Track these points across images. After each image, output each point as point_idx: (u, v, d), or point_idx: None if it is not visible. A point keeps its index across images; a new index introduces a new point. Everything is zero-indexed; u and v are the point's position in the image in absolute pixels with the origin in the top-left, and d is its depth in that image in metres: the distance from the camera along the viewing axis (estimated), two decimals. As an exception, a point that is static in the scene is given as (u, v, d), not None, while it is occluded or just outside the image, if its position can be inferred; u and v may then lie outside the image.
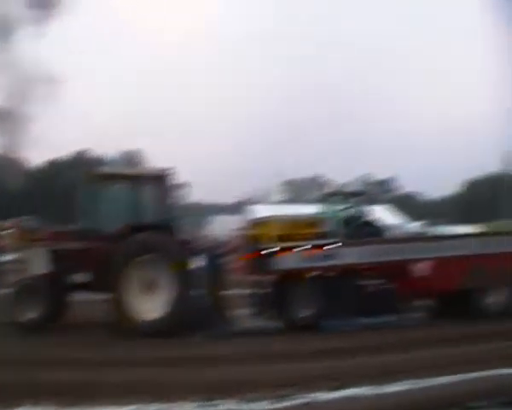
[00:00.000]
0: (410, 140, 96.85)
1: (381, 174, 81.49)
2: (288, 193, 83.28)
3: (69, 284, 11.78)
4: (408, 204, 62.13)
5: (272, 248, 12.11)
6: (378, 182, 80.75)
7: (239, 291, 13.21)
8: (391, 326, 12.24)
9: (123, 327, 10.96)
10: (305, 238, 12.34)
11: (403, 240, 14.44)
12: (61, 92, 56.83)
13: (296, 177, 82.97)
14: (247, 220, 13.16)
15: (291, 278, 12.11)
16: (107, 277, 11.09)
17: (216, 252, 12.93)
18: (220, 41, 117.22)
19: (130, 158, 57.68)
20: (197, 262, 12.17)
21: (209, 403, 6.84)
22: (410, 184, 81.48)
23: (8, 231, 12.12)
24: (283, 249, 12.11)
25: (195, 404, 6.83)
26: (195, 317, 11.69)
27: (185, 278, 11.42)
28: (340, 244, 12.25)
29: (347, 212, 18.13)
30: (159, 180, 12.14)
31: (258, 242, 12.39)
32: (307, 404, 6.84)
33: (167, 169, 12.23)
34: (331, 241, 12.31)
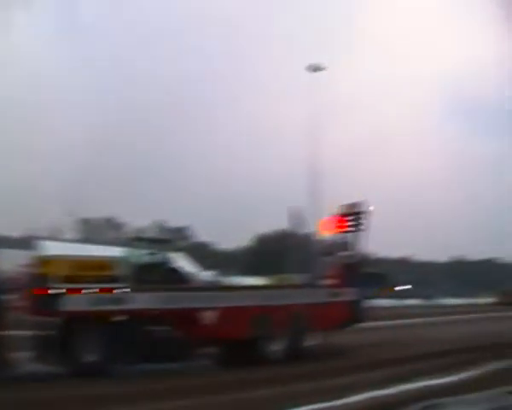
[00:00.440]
0: (204, 188, 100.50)
1: (175, 221, 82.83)
2: (82, 232, 79.83)
3: None
4: (200, 253, 63.76)
5: (59, 287, 11.46)
6: (174, 229, 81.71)
7: (21, 332, 12.11)
8: (176, 372, 12.25)
9: None
10: (95, 280, 11.94)
11: (192, 288, 14.74)
12: None
13: (91, 216, 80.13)
14: (34, 256, 12.28)
15: (77, 320, 11.53)
16: None
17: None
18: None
19: None
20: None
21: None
22: (202, 233, 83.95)
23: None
24: (71, 290, 11.54)
25: None
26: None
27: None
28: (129, 289, 12.04)
29: (152, 258, 18.27)
30: None
31: (45, 280, 11.62)
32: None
33: None
34: (121, 285, 12.04)
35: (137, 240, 20.26)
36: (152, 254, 18.61)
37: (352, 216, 16.29)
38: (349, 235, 16.54)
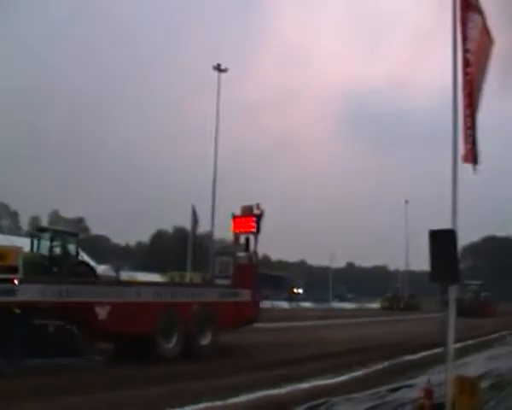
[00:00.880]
0: (105, 182, 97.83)
1: (70, 213, 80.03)
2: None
3: None
4: (96, 246, 61.95)
5: None
6: (72, 220, 78.69)
7: None
8: (68, 369, 11.75)
9: None
10: None
11: (88, 282, 14.29)
12: None
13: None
14: None
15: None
16: None
17: None
18: None
19: None
20: None
21: None
22: (98, 227, 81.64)
23: None
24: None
25: None
26: None
27: None
28: (19, 281, 11.35)
29: (60, 250, 17.97)
30: None
31: None
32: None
33: None
34: (10, 276, 11.32)
35: (43, 231, 19.71)
36: (61, 246, 18.29)
37: (253, 218, 16.55)
38: (248, 236, 16.79)
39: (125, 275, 41.31)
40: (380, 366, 14.14)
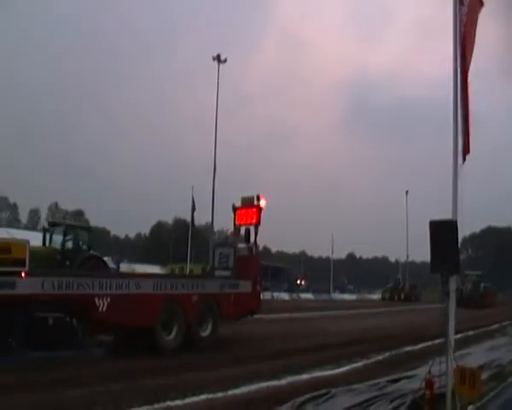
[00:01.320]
0: (102, 174, 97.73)
1: (70, 205, 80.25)
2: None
3: None
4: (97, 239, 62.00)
5: None
6: (72, 213, 78.84)
7: None
8: (67, 362, 11.77)
9: None
10: None
11: (89, 274, 14.25)
12: None
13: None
14: None
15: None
16: None
17: None
18: None
19: None
20: None
21: None
22: (98, 219, 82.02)
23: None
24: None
25: None
26: None
27: None
28: (26, 274, 11.32)
29: (72, 244, 18.61)
30: None
31: None
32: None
33: None
34: (17, 269, 11.27)
35: (55, 225, 19.99)
36: (73, 240, 18.59)
37: (254, 209, 16.55)
38: (248, 227, 16.79)
39: (125, 267, 41.47)
40: (380, 357, 14.19)
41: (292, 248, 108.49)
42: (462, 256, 78.99)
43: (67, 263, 17.83)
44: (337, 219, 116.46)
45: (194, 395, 9.03)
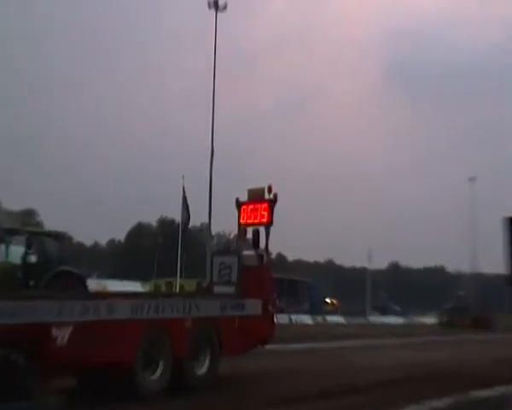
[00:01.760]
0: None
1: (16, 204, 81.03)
2: None
3: None
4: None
5: None
6: (20, 213, 79.51)
7: None
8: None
9: None
10: None
11: (42, 296, 14.00)
12: None
13: None
14: None
15: None
16: None
17: None
18: None
19: None
20: None
21: None
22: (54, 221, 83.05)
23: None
24: None
25: None
26: None
27: None
28: None
29: (37, 257, 18.65)
30: None
31: None
32: None
33: None
34: None
35: (14, 233, 19.89)
36: (39, 252, 18.52)
37: (265, 205, 16.40)
38: (257, 228, 16.68)
39: (94, 284, 41.46)
40: (440, 404, 13.96)
41: (314, 255, 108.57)
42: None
43: (31, 283, 17.78)
44: (374, 217, 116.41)
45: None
